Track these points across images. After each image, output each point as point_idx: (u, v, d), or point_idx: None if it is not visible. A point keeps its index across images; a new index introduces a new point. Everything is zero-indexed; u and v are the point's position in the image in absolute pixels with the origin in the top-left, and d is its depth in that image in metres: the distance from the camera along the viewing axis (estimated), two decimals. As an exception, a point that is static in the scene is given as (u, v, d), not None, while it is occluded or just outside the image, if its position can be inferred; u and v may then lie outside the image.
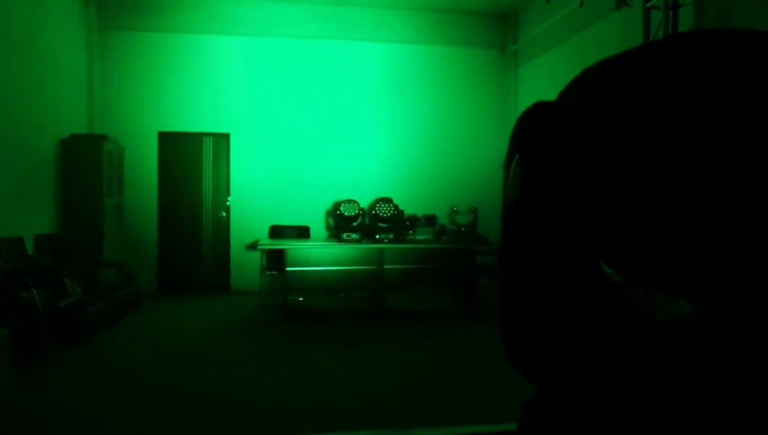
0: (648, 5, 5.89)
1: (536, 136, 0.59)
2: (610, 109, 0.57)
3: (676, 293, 0.60)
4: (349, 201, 7.99)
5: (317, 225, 9.23)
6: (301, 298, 7.91)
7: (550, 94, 0.67)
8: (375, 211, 7.84)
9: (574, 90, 0.63)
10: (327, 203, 9.22)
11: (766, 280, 0.54)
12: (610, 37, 6.87)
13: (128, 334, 6.30)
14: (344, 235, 7.62)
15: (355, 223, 7.81)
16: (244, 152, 9.30)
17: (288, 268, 7.15)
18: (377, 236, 7.56)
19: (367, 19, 9.55)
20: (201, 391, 4.39)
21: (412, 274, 7.53)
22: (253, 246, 8.25)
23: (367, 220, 7.87)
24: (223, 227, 9.33)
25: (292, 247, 7.36)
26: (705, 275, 0.56)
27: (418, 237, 7.84)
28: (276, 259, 7.75)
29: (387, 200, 8.05)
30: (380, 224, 7.72)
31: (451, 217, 8.99)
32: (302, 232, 8.84)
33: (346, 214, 7.85)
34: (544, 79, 8.76)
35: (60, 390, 4.38)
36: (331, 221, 8.15)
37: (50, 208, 7.29)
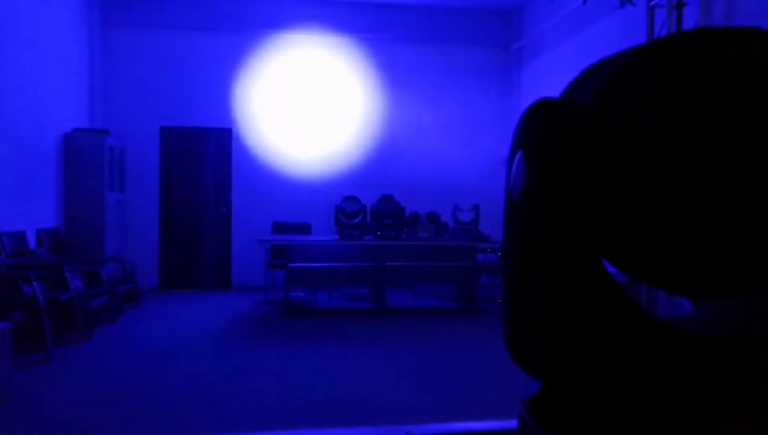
0: (652, 3, 5.87)
1: (540, 132, 0.59)
2: (614, 106, 0.57)
3: (678, 292, 0.60)
4: (352, 198, 7.99)
5: (320, 222, 9.22)
6: (302, 295, 7.92)
7: (554, 92, 0.67)
8: (377, 208, 7.83)
9: (578, 87, 0.63)
10: (329, 200, 9.21)
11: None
12: (614, 35, 6.86)
13: (129, 329, 6.32)
14: (346, 232, 7.63)
15: (357, 221, 7.81)
16: (246, 148, 9.30)
17: (291, 265, 7.15)
18: (379, 233, 7.56)
19: (370, 17, 9.54)
20: (200, 387, 4.40)
21: (414, 271, 7.54)
22: (255, 242, 8.25)
23: (369, 218, 7.86)
24: (225, 223, 9.34)
25: (295, 242, 7.37)
26: (708, 275, 0.56)
27: (420, 235, 7.84)
28: (279, 255, 7.77)
29: (389, 198, 8.04)
30: (382, 222, 7.72)
31: (453, 214, 8.97)
32: (305, 229, 8.84)
33: (348, 211, 7.85)
34: (547, 77, 8.75)
35: (61, 385, 4.39)
36: (334, 218, 8.15)
37: (53, 202, 7.30)
